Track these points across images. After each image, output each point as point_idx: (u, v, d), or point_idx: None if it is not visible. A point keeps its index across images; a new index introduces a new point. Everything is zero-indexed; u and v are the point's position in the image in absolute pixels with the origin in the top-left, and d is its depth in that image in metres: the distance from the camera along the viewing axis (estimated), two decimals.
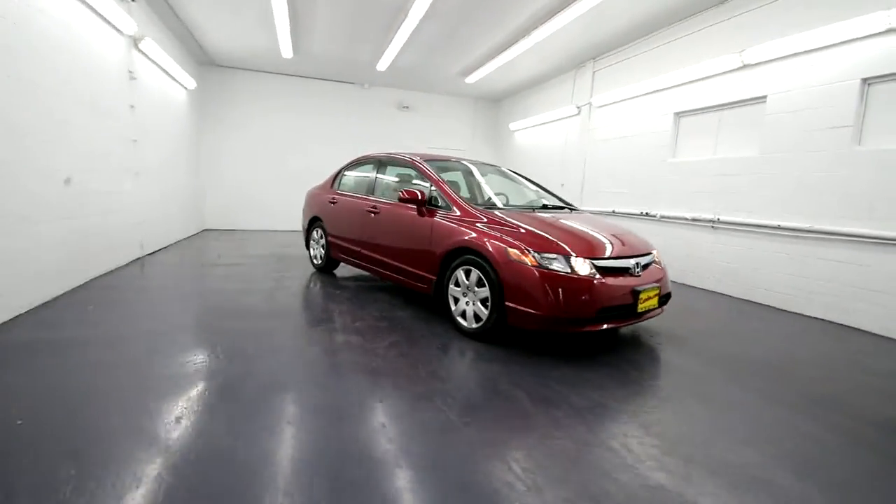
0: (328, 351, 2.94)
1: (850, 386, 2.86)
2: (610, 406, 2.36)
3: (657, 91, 6.38)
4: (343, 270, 5.67)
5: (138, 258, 5.68)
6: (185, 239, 7.82)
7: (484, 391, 2.48)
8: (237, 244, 7.60)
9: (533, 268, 2.89)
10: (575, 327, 2.89)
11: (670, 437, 2.09)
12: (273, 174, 9.87)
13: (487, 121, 11.50)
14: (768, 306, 4.87)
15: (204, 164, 9.34)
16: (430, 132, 10.94)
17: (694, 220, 5.75)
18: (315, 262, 5.58)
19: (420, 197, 3.73)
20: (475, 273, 3.22)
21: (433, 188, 3.82)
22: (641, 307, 3.08)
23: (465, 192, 4.20)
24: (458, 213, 3.54)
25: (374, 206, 4.40)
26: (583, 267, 2.91)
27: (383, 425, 2.03)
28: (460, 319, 3.38)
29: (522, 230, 3.16)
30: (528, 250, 2.95)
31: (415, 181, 4.23)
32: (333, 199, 5.18)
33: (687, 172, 5.93)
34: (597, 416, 2.24)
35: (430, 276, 3.65)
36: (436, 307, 4.10)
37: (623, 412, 2.31)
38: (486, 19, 6.27)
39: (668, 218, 6.11)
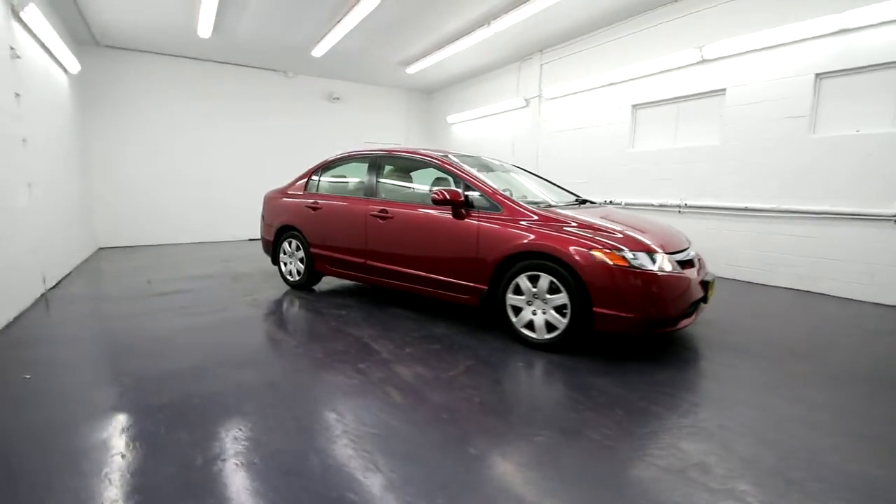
0: (410, 391, 2.43)
1: (877, 355, 3.19)
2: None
3: (614, 84, 6.63)
4: (322, 284, 4.94)
5: (42, 294, 4.31)
6: (82, 263, 6.22)
7: (628, 412, 2.23)
8: (159, 264, 6.25)
9: (623, 268, 2.70)
10: (665, 327, 2.77)
11: None
12: (185, 178, 8.35)
13: (421, 113, 11.10)
14: (740, 281, 5.36)
15: (95, 169, 7.54)
16: (363, 125, 10.21)
17: (661, 205, 6.11)
18: (290, 278, 4.77)
19: (459, 198, 3.31)
20: (546, 279, 2.93)
21: (470, 188, 3.42)
22: (708, 298, 3.09)
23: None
24: (507, 213, 3.21)
25: (382, 211, 3.84)
26: (667, 263, 2.80)
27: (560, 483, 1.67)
28: (525, 331, 3.08)
29: (593, 228, 2.95)
30: (615, 250, 2.75)
31: (438, 180, 3.78)
32: (314, 204, 4.44)
33: (649, 161, 6.28)
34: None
35: (478, 286, 3.27)
36: (481, 319, 3.71)
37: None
38: (445, 7, 5.91)
39: (635, 205, 6.42)
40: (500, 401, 2.35)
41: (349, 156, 4.56)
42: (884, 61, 4.19)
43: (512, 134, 8.67)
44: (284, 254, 4.81)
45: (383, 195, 4.02)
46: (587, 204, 3.99)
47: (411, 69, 8.55)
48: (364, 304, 4.16)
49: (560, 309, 2.91)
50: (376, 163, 4.14)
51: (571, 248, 2.83)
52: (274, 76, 9.02)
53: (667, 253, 2.89)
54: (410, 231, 3.66)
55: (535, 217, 3.13)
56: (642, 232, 3.04)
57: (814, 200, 4.73)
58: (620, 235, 2.89)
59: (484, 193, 3.35)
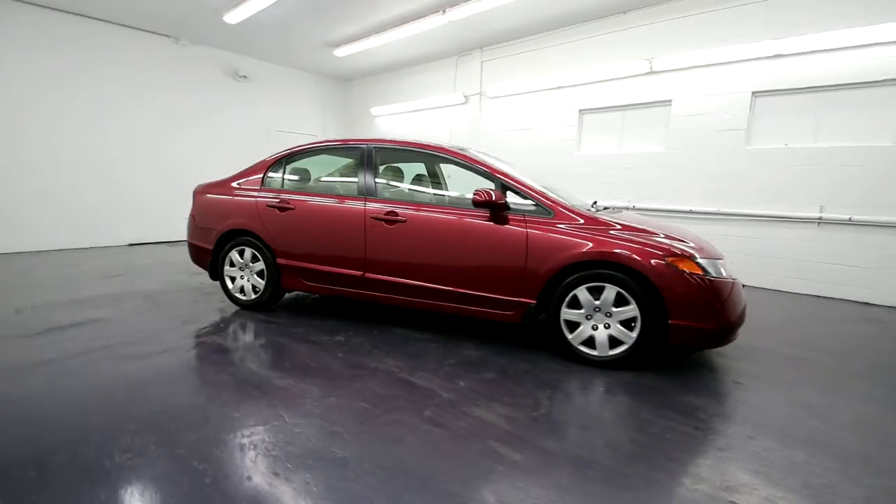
0: (518, 443, 1.93)
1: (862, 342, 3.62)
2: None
3: (562, 87, 6.72)
4: (284, 302, 4.02)
5: None
6: None
7: (782, 437, 2.06)
8: (25, 283, 4.51)
9: (699, 277, 2.56)
10: (730, 337, 2.71)
11: None
12: (43, 166, 6.27)
13: (341, 103, 10.12)
14: None
15: None
16: (274, 111, 8.90)
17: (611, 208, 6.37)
18: (242, 296, 3.76)
19: (502, 200, 2.87)
20: (611, 290, 2.67)
21: (510, 188, 2.99)
22: None
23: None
24: (558, 218, 2.87)
25: (389, 214, 3.18)
26: (726, 270, 2.75)
27: None
28: (584, 348, 2.78)
29: (655, 234, 2.77)
30: (689, 257, 2.60)
31: (455, 176, 3.25)
32: (282, 204, 3.55)
33: (596, 165, 6.50)
34: None
35: (523, 300, 2.87)
36: (510, 336, 3.29)
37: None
38: None
39: None
40: (634, 441, 2.00)
41: (323, 145, 3.75)
42: (809, 86, 4.85)
43: (449, 131, 8.34)
44: (232, 266, 3.78)
45: (387, 195, 3.36)
46: (600, 206, 3.86)
47: (341, 52, 7.65)
48: (355, 326, 3.45)
49: (627, 323, 2.68)
50: (369, 156, 3.44)
51: (645, 257, 2.61)
52: (165, 43, 7.29)
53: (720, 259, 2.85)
54: (432, 238, 3.08)
55: (582, 221, 2.85)
56: (685, 238, 2.96)
57: (749, 204, 5.32)
58: (698, 243, 2.78)
59: (529, 195, 2.96)
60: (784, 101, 5.07)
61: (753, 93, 5.20)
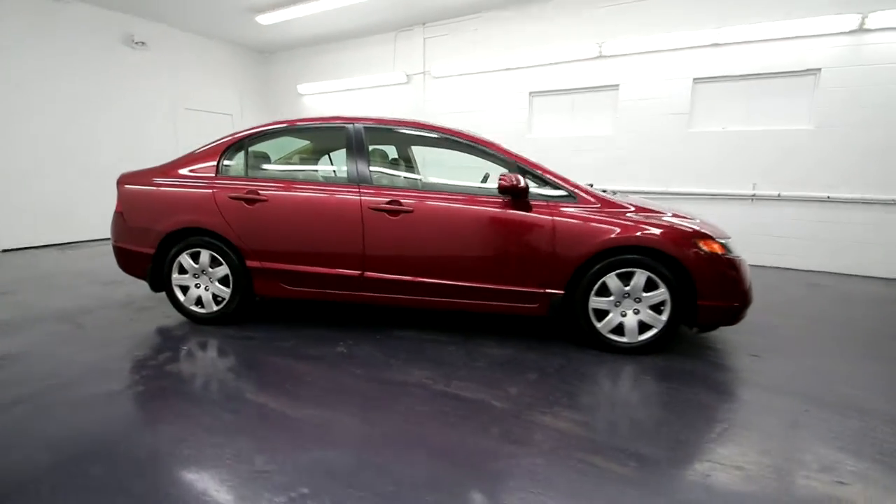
0: (621, 457, 1.77)
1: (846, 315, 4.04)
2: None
3: (510, 69, 6.61)
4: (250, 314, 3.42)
5: None
6: None
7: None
8: None
9: (723, 256, 2.60)
10: (745, 313, 2.80)
11: None
12: None
13: (260, 79, 9.02)
14: None
15: None
16: (180, 86, 7.63)
17: None
18: (199, 309, 3.10)
19: (524, 186, 2.64)
20: (642, 275, 2.61)
21: (527, 171, 2.78)
22: None
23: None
24: (582, 203, 2.73)
25: (392, 203, 2.79)
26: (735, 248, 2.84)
27: None
28: (613, 336, 2.70)
29: (664, 213, 2.76)
30: (711, 238, 2.62)
31: (464, 163, 2.94)
32: (250, 194, 2.95)
33: (548, 148, 6.54)
34: None
35: (551, 291, 2.70)
36: (536, 329, 3.09)
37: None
38: None
39: None
40: (724, 435, 1.94)
41: (295, 125, 3.19)
42: (742, 73, 5.28)
43: (389, 112, 7.84)
44: (183, 272, 3.09)
45: (385, 182, 2.95)
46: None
47: (265, 19, 6.73)
48: (350, 332, 3.02)
49: (656, 307, 2.65)
50: (358, 137, 2.98)
51: (676, 240, 2.57)
52: None
53: None
54: (446, 229, 2.76)
55: (599, 205, 2.75)
56: (691, 217, 3.01)
57: (691, 184, 5.73)
58: (698, 221, 2.80)
59: (555, 180, 2.78)
60: (721, 88, 5.47)
61: (695, 79, 5.55)
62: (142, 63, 7.03)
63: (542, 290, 2.72)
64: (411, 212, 2.78)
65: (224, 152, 3.12)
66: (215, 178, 3.06)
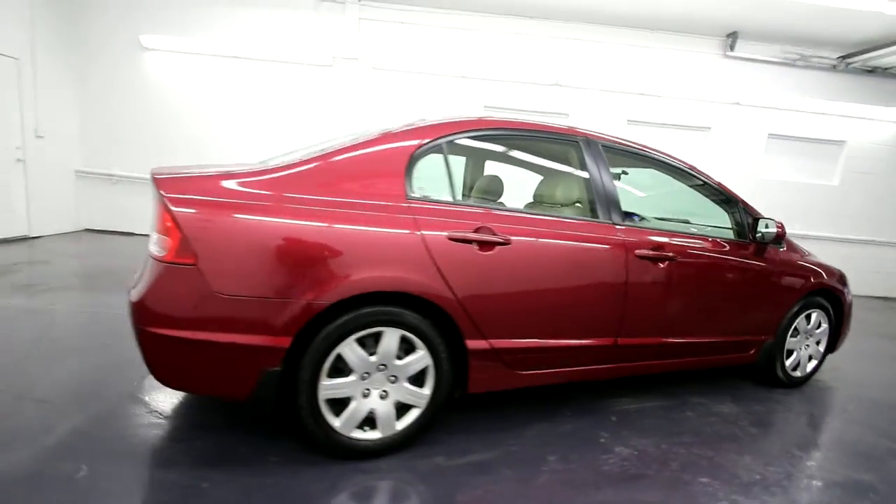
0: None
1: None
2: None
3: (466, 77, 6.20)
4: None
5: None
6: None
7: None
8: None
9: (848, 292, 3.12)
10: None
11: None
12: None
13: (66, 15, 5.69)
14: None
15: None
16: None
17: None
18: (368, 436, 1.75)
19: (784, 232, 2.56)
20: (817, 315, 2.89)
21: (739, 207, 2.67)
22: None
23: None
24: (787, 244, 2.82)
25: (656, 249, 2.22)
26: None
27: None
28: (796, 373, 2.90)
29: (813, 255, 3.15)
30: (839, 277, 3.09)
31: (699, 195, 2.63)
32: (482, 232, 1.84)
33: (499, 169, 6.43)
34: None
35: (761, 339, 2.70)
36: (708, 376, 2.88)
37: None
38: None
39: None
40: None
41: (508, 126, 2.23)
42: (659, 122, 6.44)
43: (298, 99, 6.19)
44: (339, 375, 1.69)
45: (636, 219, 2.33)
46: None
47: None
48: (555, 420, 2.27)
49: (818, 341, 2.98)
50: (599, 157, 2.28)
51: (836, 282, 2.95)
52: None
53: None
54: (702, 281, 2.40)
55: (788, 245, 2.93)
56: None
57: None
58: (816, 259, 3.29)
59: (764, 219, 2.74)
60: (646, 130, 6.53)
61: (628, 120, 6.45)
62: None
63: (758, 338, 2.69)
64: (673, 259, 2.30)
65: (414, 158, 1.86)
66: (407, 202, 1.79)
